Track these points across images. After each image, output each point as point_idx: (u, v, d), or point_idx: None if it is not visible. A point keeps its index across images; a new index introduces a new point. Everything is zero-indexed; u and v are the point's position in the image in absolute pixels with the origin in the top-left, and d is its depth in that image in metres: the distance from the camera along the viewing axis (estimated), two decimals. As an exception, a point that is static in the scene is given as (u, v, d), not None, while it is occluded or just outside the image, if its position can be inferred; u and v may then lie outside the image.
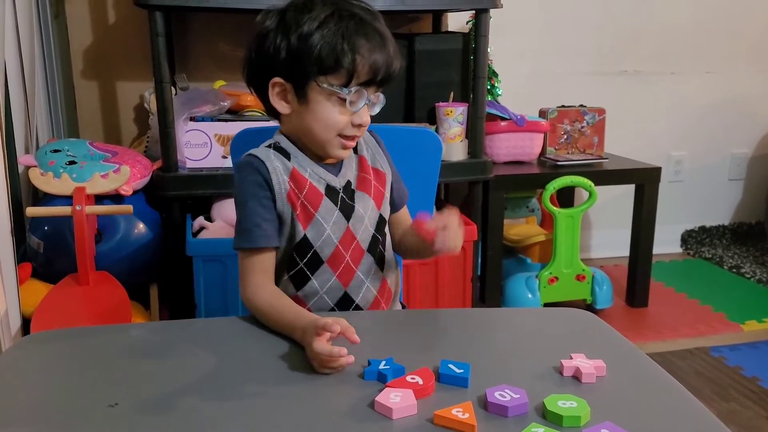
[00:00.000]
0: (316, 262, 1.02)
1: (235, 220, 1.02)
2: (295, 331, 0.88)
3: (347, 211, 1.02)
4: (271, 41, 0.96)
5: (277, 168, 0.99)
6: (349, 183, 1.04)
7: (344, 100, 0.95)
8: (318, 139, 0.98)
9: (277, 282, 1.05)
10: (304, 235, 1.00)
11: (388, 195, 1.08)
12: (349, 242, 1.03)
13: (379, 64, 0.94)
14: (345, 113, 0.96)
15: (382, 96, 1.00)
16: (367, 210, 1.04)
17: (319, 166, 1.02)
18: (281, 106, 0.99)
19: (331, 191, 1.02)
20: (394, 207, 1.12)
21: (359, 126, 0.98)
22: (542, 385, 0.77)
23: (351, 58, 0.93)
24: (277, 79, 0.97)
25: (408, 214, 1.15)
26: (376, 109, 1.01)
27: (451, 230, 0.93)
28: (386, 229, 1.09)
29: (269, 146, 1.02)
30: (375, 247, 1.06)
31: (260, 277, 0.99)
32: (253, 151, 1.01)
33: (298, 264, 1.02)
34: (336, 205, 1.01)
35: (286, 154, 1.01)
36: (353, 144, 1.01)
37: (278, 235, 1.00)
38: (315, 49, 0.92)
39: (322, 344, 0.80)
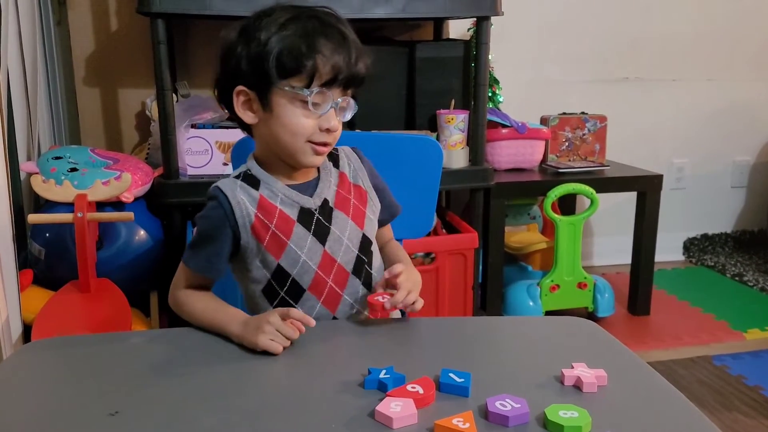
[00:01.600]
0: (297, 291, 1.00)
1: None
2: (231, 324, 0.91)
3: (322, 235, 0.99)
4: (233, 52, 0.95)
5: (241, 201, 0.96)
6: (326, 202, 1.00)
7: (307, 102, 0.92)
8: (287, 147, 0.95)
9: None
10: (278, 264, 0.98)
11: (371, 215, 1.05)
12: (329, 266, 1.00)
13: (340, 64, 0.91)
14: (310, 117, 0.93)
15: (352, 101, 0.97)
16: (345, 231, 1.00)
17: (291, 188, 0.99)
18: (247, 117, 0.97)
19: (304, 214, 0.98)
20: (380, 223, 1.09)
21: (328, 131, 0.94)
22: (543, 395, 0.76)
23: (311, 57, 0.90)
24: (240, 88, 0.95)
25: (388, 229, 1.13)
26: (348, 116, 0.98)
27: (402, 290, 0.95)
28: (372, 248, 1.05)
29: (238, 176, 1.00)
30: (360, 268, 1.03)
31: (192, 289, 1.01)
32: (220, 182, 0.99)
33: (278, 294, 1.00)
34: (309, 230, 0.98)
35: (255, 182, 0.98)
36: (326, 150, 0.97)
37: (225, 268, 1.00)
38: (274, 51, 0.91)
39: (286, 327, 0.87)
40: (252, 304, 1.04)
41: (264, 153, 1.00)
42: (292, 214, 0.98)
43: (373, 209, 1.06)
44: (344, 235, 1.00)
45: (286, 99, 0.93)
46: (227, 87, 0.97)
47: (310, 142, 0.95)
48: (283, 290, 1.00)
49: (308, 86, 0.92)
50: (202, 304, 0.98)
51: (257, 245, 0.98)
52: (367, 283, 1.04)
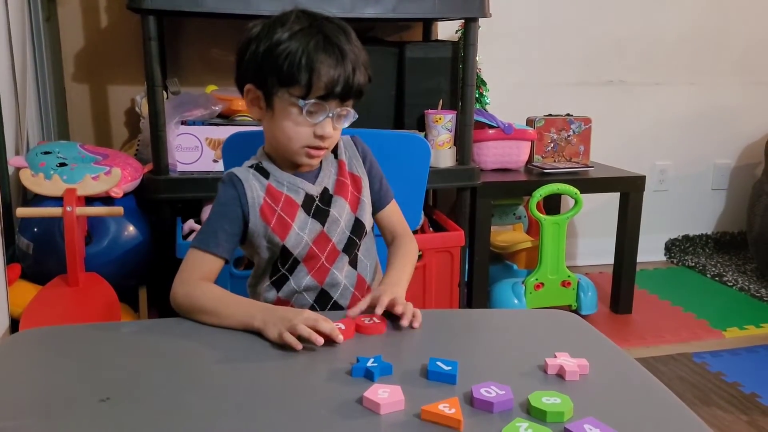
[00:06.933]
0: (294, 263, 1.07)
1: None
2: (253, 307, 0.94)
3: (322, 217, 1.07)
4: (248, 49, 1.01)
5: (253, 186, 1.05)
6: (326, 190, 1.09)
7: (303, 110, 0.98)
8: (284, 148, 1.03)
9: (259, 287, 1.11)
10: (283, 245, 1.05)
11: (365, 199, 1.12)
12: (324, 244, 1.07)
13: (334, 80, 0.97)
14: (306, 124, 1.00)
15: (351, 111, 1.03)
16: (342, 214, 1.08)
17: (296, 176, 1.07)
18: (254, 112, 1.05)
19: (307, 199, 1.07)
20: (375, 208, 1.15)
21: (322, 137, 1.01)
22: (527, 383, 0.79)
23: (307, 72, 0.96)
24: (249, 86, 1.03)
25: (393, 213, 1.18)
26: (345, 123, 1.04)
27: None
28: (364, 232, 1.12)
29: (251, 166, 1.07)
30: (351, 249, 1.10)
31: (201, 278, 1.01)
32: (234, 169, 1.07)
33: (280, 270, 1.08)
34: (309, 214, 1.06)
35: (265, 174, 1.07)
36: (320, 154, 1.04)
37: (233, 250, 1.05)
38: (276, 62, 0.97)
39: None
40: (256, 277, 1.12)
41: (271, 147, 1.08)
42: (297, 199, 1.06)
43: (367, 194, 1.13)
44: (341, 218, 1.08)
45: (285, 104, 1.00)
46: (240, 80, 1.04)
47: (306, 146, 1.02)
48: (285, 267, 1.07)
49: (305, 97, 0.98)
50: (220, 291, 0.99)
51: (264, 227, 1.04)
52: (353, 263, 1.11)
